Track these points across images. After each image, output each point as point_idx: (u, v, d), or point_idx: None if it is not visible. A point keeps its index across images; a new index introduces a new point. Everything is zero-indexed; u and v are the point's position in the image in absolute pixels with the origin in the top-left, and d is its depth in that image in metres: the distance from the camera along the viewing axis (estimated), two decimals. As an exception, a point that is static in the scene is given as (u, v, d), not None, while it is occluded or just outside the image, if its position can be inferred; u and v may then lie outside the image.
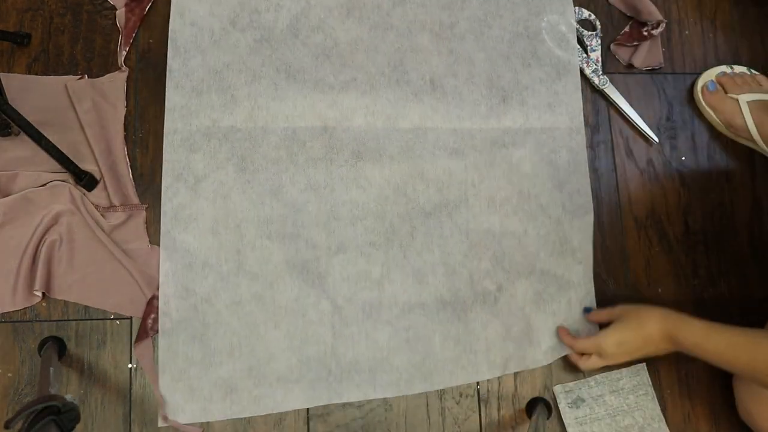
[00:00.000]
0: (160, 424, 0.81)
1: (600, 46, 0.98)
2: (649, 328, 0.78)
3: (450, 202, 0.90)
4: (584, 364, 0.84)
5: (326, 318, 0.85)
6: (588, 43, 0.98)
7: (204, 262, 0.85)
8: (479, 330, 0.87)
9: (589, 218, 0.92)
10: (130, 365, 0.83)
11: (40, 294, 0.83)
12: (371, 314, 0.86)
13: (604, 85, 0.96)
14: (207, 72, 0.91)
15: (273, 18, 0.93)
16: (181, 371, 0.82)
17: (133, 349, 0.83)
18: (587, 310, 0.89)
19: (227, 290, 0.85)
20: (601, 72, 0.97)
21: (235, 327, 0.84)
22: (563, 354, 0.87)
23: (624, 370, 0.88)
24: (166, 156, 0.88)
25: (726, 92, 0.95)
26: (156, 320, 0.83)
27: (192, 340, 0.83)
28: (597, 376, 0.87)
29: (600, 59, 0.98)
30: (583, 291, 0.90)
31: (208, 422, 0.82)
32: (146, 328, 0.83)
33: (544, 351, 0.87)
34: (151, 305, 0.84)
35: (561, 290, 0.89)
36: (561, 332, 0.87)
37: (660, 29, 0.98)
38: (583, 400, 0.86)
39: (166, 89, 0.90)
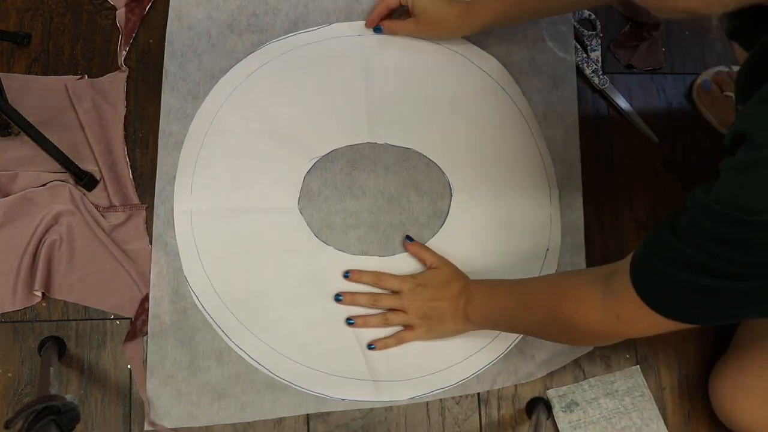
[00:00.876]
0: (146, 428, 0.81)
1: (600, 46, 0.98)
2: (453, 289, 0.81)
3: (444, 213, 0.90)
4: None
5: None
6: (588, 42, 0.98)
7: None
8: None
9: (581, 234, 0.92)
10: (129, 365, 0.83)
11: (39, 294, 0.83)
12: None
13: (604, 85, 0.96)
14: (204, 76, 0.91)
15: (271, 21, 0.94)
16: (169, 375, 0.82)
17: (132, 370, 0.83)
18: (409, 239, 0.88)
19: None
20: (601, 72, 0.97)
21: (224, 332, 0.84)
22: (558, 366, 0.87)
23: (617, 372, 0.88)
24: (160, 159, 0.88)
25: (722, 90, 0.95)
26: (145, 322, 0.83)
27: (181, 344, 0.83)
28: (591, 379, 0.87)
29: (600, 59, 0.98)
30: None
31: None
32: (136, 329, 0.83)
33: (537, 364, 0.87)
34: (142, 307, 0.84)
35: None
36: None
37: (659, 31, 0.98)
38: (576, 404, 0.86)
39: (162, 92, 0.90)
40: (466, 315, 0.80)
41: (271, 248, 0.87)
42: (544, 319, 0.72)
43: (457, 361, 0.86)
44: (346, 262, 0.87)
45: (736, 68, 0.98)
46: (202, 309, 0.84)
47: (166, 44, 0.91)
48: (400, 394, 0.84)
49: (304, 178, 0.89)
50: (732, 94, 0.94)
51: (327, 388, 0.83)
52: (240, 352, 0.83)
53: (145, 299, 0.84)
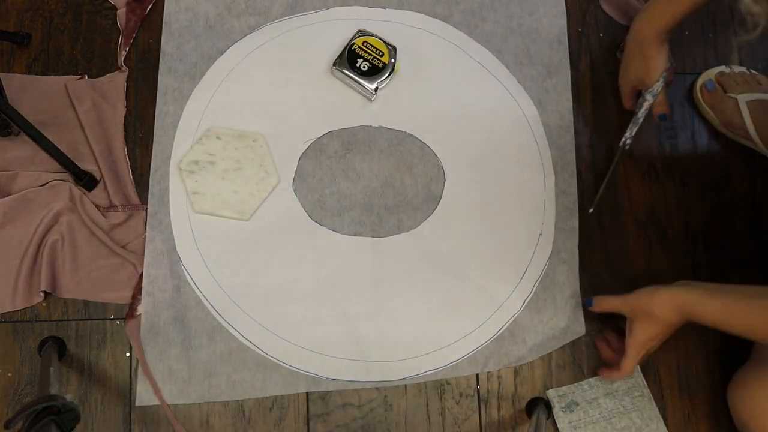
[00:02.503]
0: (138, 403, 0.81)
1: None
2: (667, 317, 0.78)
3: (437, 197, 0.91)
4: (625, 369, 0.82)
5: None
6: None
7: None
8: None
9: (574, 219, 0.92)
10: (130, 366, 0.83)
11: (42, 294, 0.83)
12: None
13: (626, 144, 0.93)
14: (200, 57, 0.92)
15: (269, 4, 0.94)
16: (161, 352, 0.83)
17: (132, 347, 0.83)
18: (589, 303, 0.87)
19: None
20: (629, 137, 0.93)
21: (216, 310, 0.85)
22: (549, 351, 0.87)
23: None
24: (156, 138, 0.89)
25: (725, 91, 0.95)
26: (140, 300, 0.84)
27: (174, 321, 0.84)
28: (591, 379, 0.87)
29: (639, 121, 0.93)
30: (569, 291, 0.90)
31: (208, 422, 0.82)
32: (134, 308, 0.84)
33: (529, 348, 0.87)
34: (138, 285, 0.84)
35: (546, 289, 0.90)
36: (603, 372, 0.86)
37: None
38: (576, 404, 0.86)
39: (159, 73, 0.91)
40: (693, 320, 0.77)
41: (265, 228, 0.87)
42: None
43: (449, 343, 0.86)
44: (338, 243, 0.88)
45: (737, 68, 0.98)
46: (194, 287, 0.85)
47: (163, 25, 0.93)
48: (392, 374, 0.85)
49: (299, 159, 0.90)
50: (734, 95, 0.93)
51: (318, 367, 0.84)
52: (232, 331, 0.84)
53: (141, 278, 0.84)
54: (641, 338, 0.80)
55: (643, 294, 0.80)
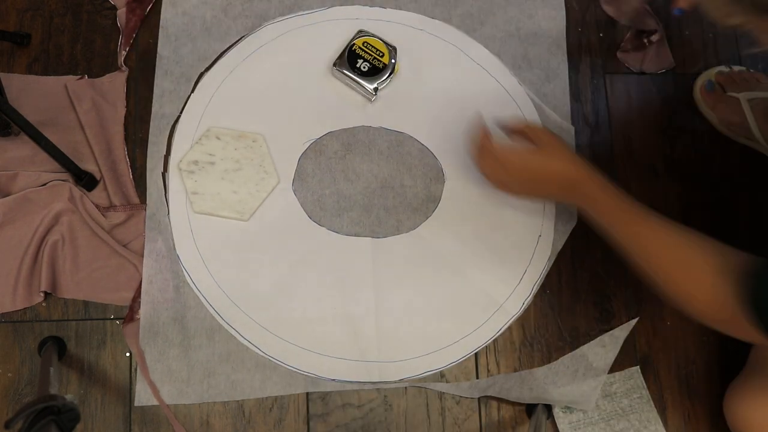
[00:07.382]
0: (137, 403, 0.82)
1: None
2: (556, 166, 0.75)
3: (436, 198, 0.91)
4: (481, 162, 0.80)
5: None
6: None
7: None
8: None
9: (573, 223, 0.92)
10: (129, 346, 0.83)
11: (42, 295, 0.83)
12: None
13: None
14: (197, 59, 0.92)
15: (265, 6, 0.95)
16: (161, 352, 0.83)
17: (132, 351, 0.83)
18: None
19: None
20: None
21: (215, 310, 0.85)
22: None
23: (617, 374, 0.87)
24: (151, 138, 0.89)
25: (725, 91, 0.95)
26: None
27: (173, 322, 0.84)
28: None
29: None
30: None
31: (208, 422, 0.82)
32: (133, 311, 0.84)
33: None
34: (139, 288, 0.84)
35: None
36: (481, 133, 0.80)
37: (656, 37, 0.98)
38: None
39: (155, 75, 0.91)
40: (572, 197, 0.77)
41: (264, 228, 0.87)
42: (655, 268, 0.70)
43: (448, 344, 0.86)
44: (338, 243, 0.88)
45: (737, 68, 0.98)
46: (194, 287, 0.85)
47: (160, 30, 0.93)
48: (390, 375, 0.85)
49: (299, 160, 0.90)
50: (735, 94, 0.93)
51: (317, 368, 0.84)
52: (231, 331, 0.84)
53: (141, 281, 0.84)
54: (522, 155, 0.77)
55: (556, 136, 0.78)
